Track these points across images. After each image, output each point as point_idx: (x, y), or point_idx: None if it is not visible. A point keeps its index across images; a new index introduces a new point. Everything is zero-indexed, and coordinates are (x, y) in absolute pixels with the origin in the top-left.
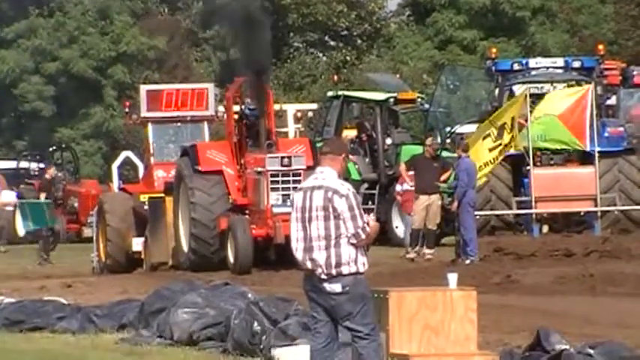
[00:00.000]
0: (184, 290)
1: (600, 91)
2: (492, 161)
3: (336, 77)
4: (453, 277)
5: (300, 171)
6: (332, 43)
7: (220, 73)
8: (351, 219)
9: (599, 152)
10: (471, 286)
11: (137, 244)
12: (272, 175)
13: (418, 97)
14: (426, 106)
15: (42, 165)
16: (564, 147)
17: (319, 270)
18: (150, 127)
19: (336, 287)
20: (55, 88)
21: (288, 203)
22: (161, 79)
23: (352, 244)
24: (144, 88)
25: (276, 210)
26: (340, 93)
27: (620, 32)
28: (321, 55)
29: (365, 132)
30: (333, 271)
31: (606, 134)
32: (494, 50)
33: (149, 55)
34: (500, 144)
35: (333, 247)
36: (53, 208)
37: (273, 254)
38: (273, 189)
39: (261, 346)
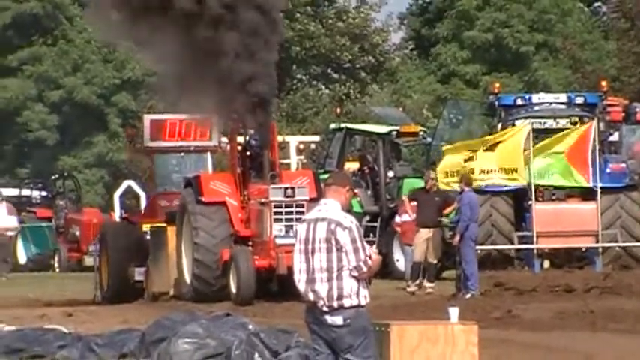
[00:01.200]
0: (185, 320)
1: (603, 128)
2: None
3: (338, 110)
4: (454, 311)
5: (303, 202)
6: (335, 75)
7: None
8: (353, 251)
9: (601, 188)
10: (471, 321)
11: (139, 273)
12: (275, 206)
13: (421, 130)
14: (429, 139)
15: (44, 193)
16: (569, 184)
17: (321, 302)
18: (155, 157)
19: (338, 320)
20: (58, 117)
21: (291, 234)
22: (165, 108)
23: (354, 277)
24: (147, 118)
25: (279, 241)
26: (343, 125)
27: (623, 69)
28: (323, 87)
29: (367, 165)
30: (335, 304)
31: (608, 170)
32: (497, 85)
33: (153, 82)
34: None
35: (335, 280)
36: (55, 233)
37: (275, 285)
38: (276, 220)
39: None
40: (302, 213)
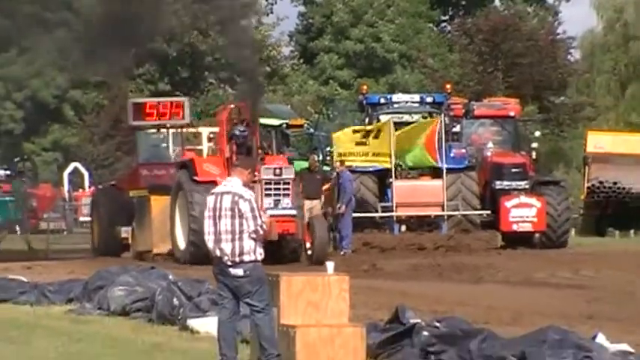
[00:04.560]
0: (119, 272)
1: (448, 121)
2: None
3: None
4: (330, 265)
5: (289, 180)
6: (239, 79)
7: None
8: (252, 218)
9: (446, 169)
10: (344, 272)
11: (125, 232)
12: (266, 183)
13: (305, 123)
14: (311, 130)
15: (8, 172)
16: (426, 165)
17: (226, 257)
18: (137, 133)
19: (239, 271)
20: (22, 112)
21: (280, 207)
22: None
23: (252, 238)
24: (130, 101)
25: (269, 212)
26: None
27: (464, 75)
28: (230, 89)
29: (263, 150)
30: (237, 259)
31: (452, 155)
32: (364, 87)
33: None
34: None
35: (237, 240)
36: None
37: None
38: (266, 195)
39: (179, 317)
40: (288, 189)
